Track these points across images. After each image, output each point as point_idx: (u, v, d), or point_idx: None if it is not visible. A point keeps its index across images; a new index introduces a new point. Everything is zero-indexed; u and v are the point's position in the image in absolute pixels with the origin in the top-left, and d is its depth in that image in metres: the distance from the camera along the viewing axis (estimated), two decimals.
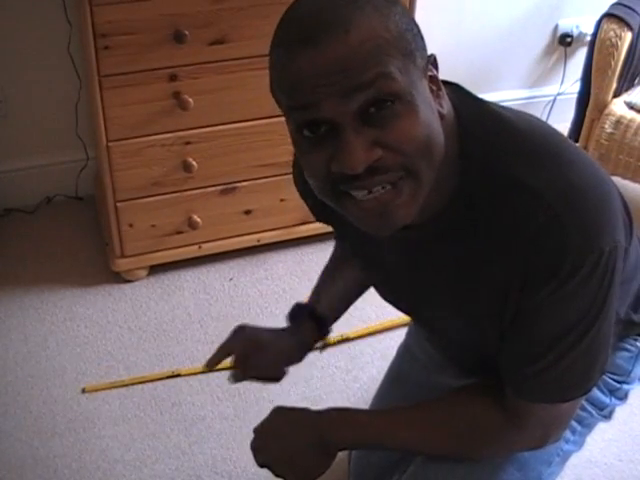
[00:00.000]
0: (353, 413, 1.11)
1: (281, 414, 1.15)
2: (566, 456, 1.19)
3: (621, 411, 1.77)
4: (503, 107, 0.97)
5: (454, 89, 0.95)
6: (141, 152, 1.90)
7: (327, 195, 0.87)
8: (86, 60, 1.78)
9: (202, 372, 1.86)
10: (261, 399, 1.80)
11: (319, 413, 1.12)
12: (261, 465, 1.13)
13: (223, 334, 2.05)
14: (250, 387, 1.82)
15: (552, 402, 0.97)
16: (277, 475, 1.12)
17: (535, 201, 0.87)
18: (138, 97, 1.82)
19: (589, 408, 1.18)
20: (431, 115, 0.84)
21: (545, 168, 0.88)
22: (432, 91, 0.86)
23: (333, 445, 1.08)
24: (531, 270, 0.89)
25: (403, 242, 0.87)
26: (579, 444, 1.21)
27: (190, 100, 1.85)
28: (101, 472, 1.64)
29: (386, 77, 0.79)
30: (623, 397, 1.22)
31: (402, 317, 2.01)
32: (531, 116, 0.97)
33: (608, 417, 1.23)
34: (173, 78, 1.83)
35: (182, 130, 1.91)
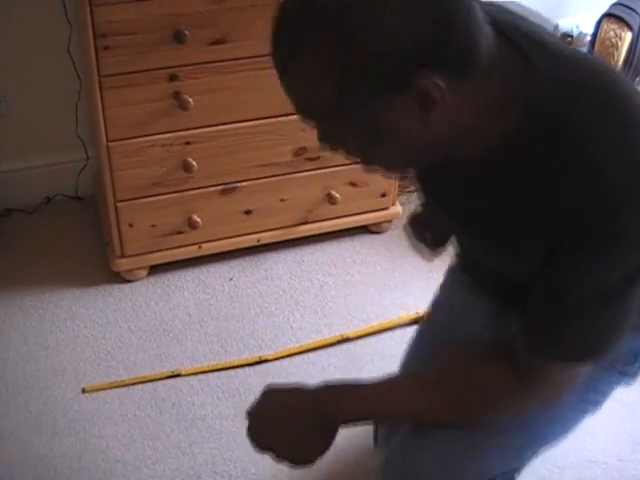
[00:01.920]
0: (352, 386, 1.08)
1: (275, 395, 1.13)
2: (581, 415, 1.17)
3: (621, 411, 1.78)
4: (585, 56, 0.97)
5: (527, 39, 0.91)
6: (141, 152, 1.90)
7: None
8: (86, 60, 1.78)
9: (202, 372, 1.86)
10: None
11: (315, 391, 1.09)
12: (261, 451, 1.11)
13: (223, 334, 2.04)
14: (250, 387, 1.82)
15: (568, 360, 0.96)
16: (279, 459, 1.09)
17: (604, 191, 0.85)
18: (138, 97, 1.82)
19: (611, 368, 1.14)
20: (398, 139, 0.87)
21: (623, 148, 0.86)
22: (411, 109, 0.83)
23: (334, 421, 1.06)
24: (574, 234, 0.88)
25: (457, 178, 0.95)
26: (599, 404, 1.18)
27: (190, 100, 1.85)
28: (101, 472, 1.64)
29: (331, 137, 0.90)
30: None
31: (402, 317, 2.02)
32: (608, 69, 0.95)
33: (633, 377, 1.18)
34: (173, 78, 1.83)
35: (182, 130, 1.91)
